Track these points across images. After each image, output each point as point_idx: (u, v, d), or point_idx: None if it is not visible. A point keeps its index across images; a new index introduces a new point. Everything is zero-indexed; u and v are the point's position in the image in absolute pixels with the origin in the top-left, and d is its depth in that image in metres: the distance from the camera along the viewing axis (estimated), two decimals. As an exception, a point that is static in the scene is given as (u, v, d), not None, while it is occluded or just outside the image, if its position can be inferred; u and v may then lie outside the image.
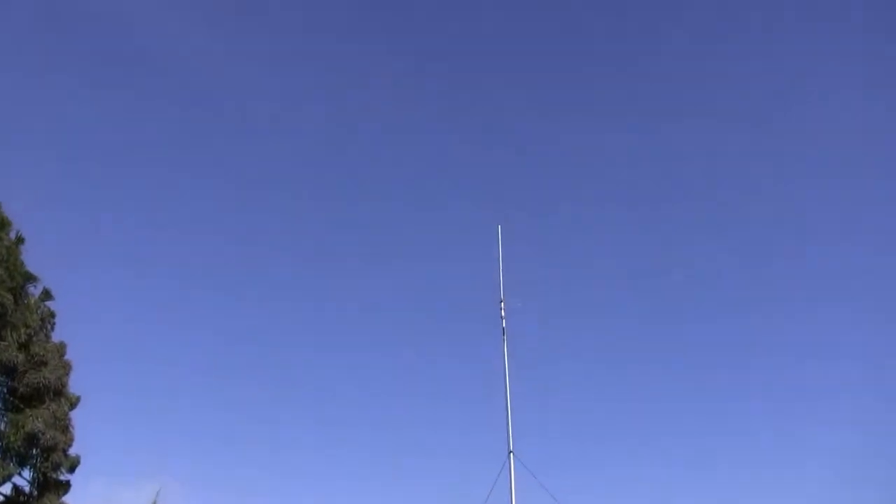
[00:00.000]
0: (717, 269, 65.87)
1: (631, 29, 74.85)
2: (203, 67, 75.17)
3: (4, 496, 24.58)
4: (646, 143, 73.10)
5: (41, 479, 24.76)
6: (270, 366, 64.86)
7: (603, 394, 59.09)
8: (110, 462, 48.94)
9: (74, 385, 25.95)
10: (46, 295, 25.87)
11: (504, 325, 21.27)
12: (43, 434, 24.03)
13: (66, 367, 25.87)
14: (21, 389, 24.46)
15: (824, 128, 67.36)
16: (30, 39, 69.82)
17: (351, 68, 78.97)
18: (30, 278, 25.39)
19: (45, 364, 24.84)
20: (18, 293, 24.95)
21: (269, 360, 64.89)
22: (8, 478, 23.89)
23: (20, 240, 25.32)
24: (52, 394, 24.85)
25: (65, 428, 25.24)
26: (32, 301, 25.34)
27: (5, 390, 24.72)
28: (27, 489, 24.74)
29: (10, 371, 24.44)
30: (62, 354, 25.92)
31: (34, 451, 24.50)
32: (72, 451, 25.49)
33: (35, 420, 23.99)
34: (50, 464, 24.69)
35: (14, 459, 24.11)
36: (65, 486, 25.40)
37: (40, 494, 24.63)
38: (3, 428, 24.20)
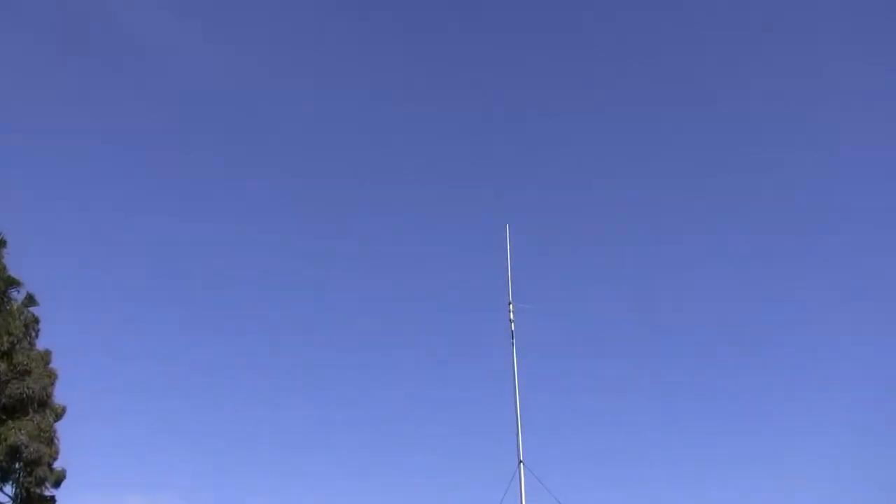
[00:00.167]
0: (733, 265, 65.08)
1: (648, 23, 74.08)
2: (202, 65, 74.41)
3: (-14, 513, 23.79)
4: (656, 139, 72.56)
5: (24, 494, 24.15)
6: (270, 366, 63.94)
7: (616, 399, 57.98)
8: (99, 475, 47.62)
9: (60, 395, 25.36)
10: (30, 300, 25.03)
11: (513, 328, 20.28)
12: (26, 447, 23.36)
13: (52, 377, 25.19)
14: (3, 400, 23.72)
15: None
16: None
17: (351, 67, 78.37)
18: (12, 283, 24.64)
19: (28, 373, 24.15)
20: (0, 299, 24.11)
21: (269, 361, 64.00)
22: (-11, 494, 23.24)
23: (2, 243, 24.46)
24: (36, 404, 24.19)
25: (49, 440, 24.57)
26: (15, 307, 24.59)
27: (-13, 401, 23.90)
28: (10, 505, 24.04)
29: (-8, 381, 23.63)
30: (47, 363, 25.20)
31: (17, 465, 23.89)
32: (57, 465, 24.90)
33: (18, 432, 23.33)
34: (34, 478, 24.11)
35: (-5, 474, 23.44)
36: (49, 502, 24.82)
37: (24, 511, 23.95)
38: (-16, 441, 23.40)
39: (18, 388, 23.69)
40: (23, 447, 23.22)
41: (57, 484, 24.85)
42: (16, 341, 24.03)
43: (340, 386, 63.83)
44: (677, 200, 71.05)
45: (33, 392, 23.91)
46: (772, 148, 69.00)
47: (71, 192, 69.09)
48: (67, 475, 25.12)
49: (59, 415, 25.06)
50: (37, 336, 25.18)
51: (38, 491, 24.33)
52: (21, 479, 23.95)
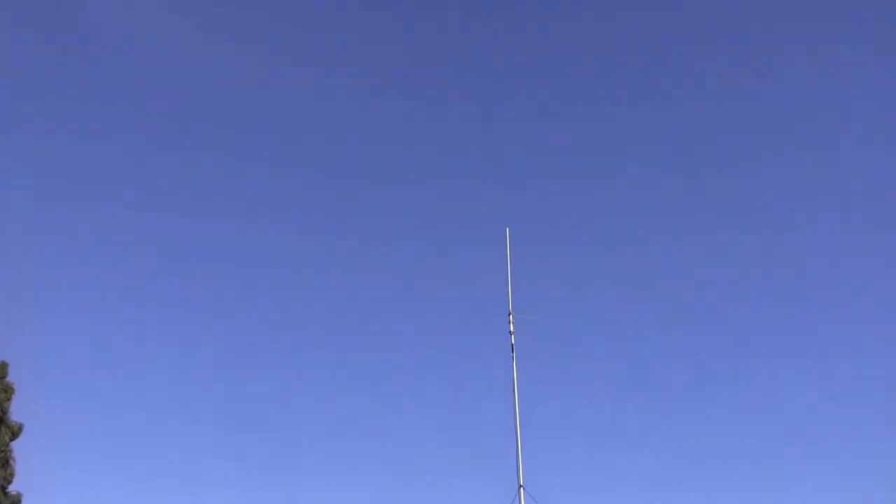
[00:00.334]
0: (744, 270, 64.09)
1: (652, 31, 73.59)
2: (199, 63, 73.50)
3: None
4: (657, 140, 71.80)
5: (-25, 521, 22.40)
6: (270, 374, 62.34)
7: (623, 417, 56.17)
8: (59, 500, 44.72)
9: (17, 411, 23.74)
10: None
11: (513, 340, 18.58)
12: (-23, 470, 21.76)
13: (8, 391, 23.53)
14: (-48, 418, 22.04)
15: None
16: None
17: (352, 66, 77.69)
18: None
19: (-20, 388, 22.56)
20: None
21: (269, 367, 62.37)
22: (-66, 521, 21.61)
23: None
24: (-11, 422, 22.63)
25: (5, 461, 23.09)
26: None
27: (-67, 419, 22.42)
28: (-42, 534, 22.47)
29: (-61, 396, 22.21)
30: (3, 376, 23.52)
31: (-33, 489, 22.27)
32: (12, 488, 23.29)
33: (-33, 453, 21.73)
34: (-14, 503, 22.44)
35: (-58, 499, 21.96)
36: (4, 529, 23.11)
37: (-26, 539, 22.40)
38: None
39: (-31, 405, 22.17)
40: (-27, 469, 21.68)
41: (12, 509, 23.24)
42: (-33, 352, 22.57)
43: (337, 400, 62.06)
44: (677, 201, 70.25)
45: (-14, 408, 22.39)
46: (772, 147, 68.61)
47: (71, 193, 67.55)
48: (24, 500, 23.49)
49: (15, 433, 23.46)
50: (-9, 346, 23.67)
51: (-10, 517, 22.68)
52: (-29, 504, 22.34)
